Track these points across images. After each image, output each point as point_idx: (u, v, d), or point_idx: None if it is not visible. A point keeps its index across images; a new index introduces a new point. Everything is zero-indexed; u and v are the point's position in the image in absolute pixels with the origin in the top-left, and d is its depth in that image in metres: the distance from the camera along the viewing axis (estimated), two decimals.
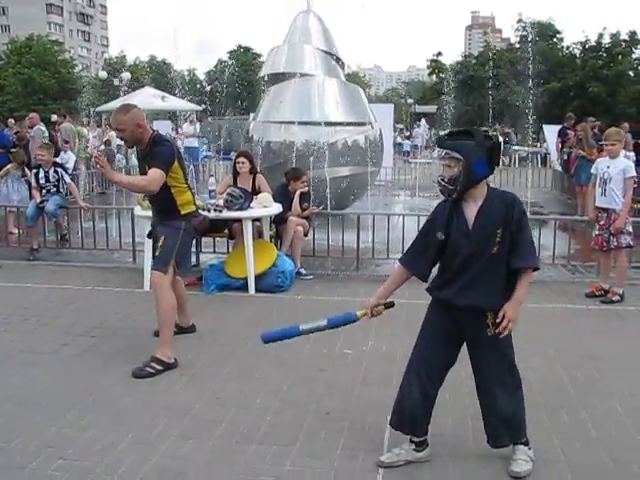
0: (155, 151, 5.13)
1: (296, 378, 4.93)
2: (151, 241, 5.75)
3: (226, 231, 8.20)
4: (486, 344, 3.51)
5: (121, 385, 4.77)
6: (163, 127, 24.29)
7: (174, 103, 27.46)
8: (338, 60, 13.26)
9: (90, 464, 3.63)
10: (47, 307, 6.83)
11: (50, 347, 5.57)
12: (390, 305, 3.70)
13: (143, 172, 5.29)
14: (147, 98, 26.04)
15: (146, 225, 7.66)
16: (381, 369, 5.08)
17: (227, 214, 7.41)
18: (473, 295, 3.41)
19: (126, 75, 39.98)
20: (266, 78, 13.48)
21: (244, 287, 7.36)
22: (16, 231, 9.86)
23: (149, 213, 7.47)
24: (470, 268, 3.41)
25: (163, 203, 5.31)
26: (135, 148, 5.49)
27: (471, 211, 3.42)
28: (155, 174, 5.03)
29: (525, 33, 51.82)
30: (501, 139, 24.33)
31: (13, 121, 18.77)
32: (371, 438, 3.97)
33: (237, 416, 4.26)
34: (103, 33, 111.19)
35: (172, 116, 32.46)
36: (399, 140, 36.88)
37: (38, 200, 9.45)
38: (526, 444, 3.69)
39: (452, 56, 67.49)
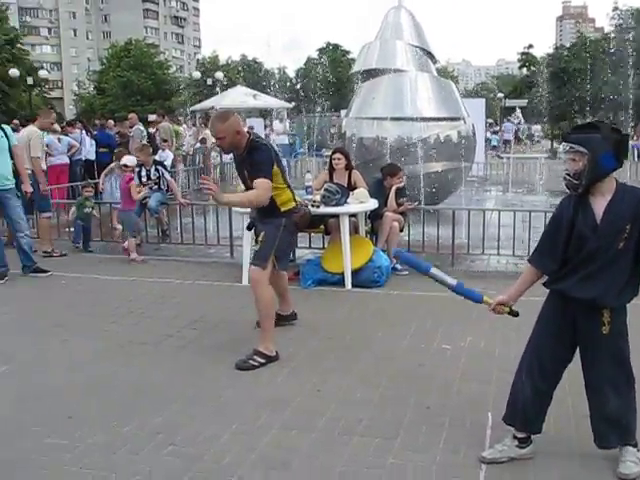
0: (256, 159, 5.14)
1: (395, 373, 4.92)
2: (249, 233, 5.87)
3: (322, 227, 8.25)
4: (600, 342, 3.41)
5: (224, 377, 4.87)
6: (256, 124, 24.72)
7: (265, 101, 27.84)
8: (430, 55, 13.14)
9: (197, 452, 3.73)
10: (150, 300, 7.05)
11: (155, 339, 5.75)
12: (515, 314, 3.66)
13: (242, 175, 5.37)
14: (239, 96, 26.52)
15: (243, 220, 7.88)
16: (480, 365, 5.01)
17: (324, 209, 7.45)
18: (590, 288, 3.32)
19: (219, 74, 40.80)
20: (358, 75, 13.50)
21: (341, 282, 7.40)
22: (120, 227, 10.21)
23: (246, 209, 7.66)
24: (593, 262, 3.33)
25: (262, 208, 5.32)
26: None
27: (599, 205, 3.34)
28: (262, 185, 5.06)
29: (621, 21, 49.82)
30: None
31: (113, 122, 19.44)
32: (473, 433, 3.92)
33: (338, 409, 4.28)
34: (196, 35, 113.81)
35: (264, 113, 32.91)
36: (487, 135, 36.23)
37: (140, 197, 9.75)
38: (635, 446, 3.56)
39: (543, 48, 65.68)
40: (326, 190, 7.51)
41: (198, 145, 20.50)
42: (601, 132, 3.28)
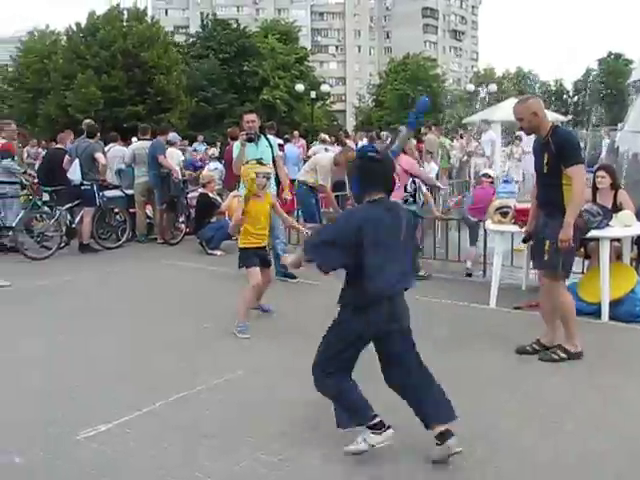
0: (564, 143, 5.14)
1: None
2: (501, 251, 6.39)
3: (582, 250, 7.44)
4: None
5: None
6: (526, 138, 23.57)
7: None
8: None
9: None
10: None
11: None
12: None
13: (539, 161, 5.34)
14: (510, 109, 25.51)
15: (496, 239, 7.39)
16: None
17: None
18: None
19: (492, 87, 39.93)
20: (635, 84, 12.21)
21: (597, 313, 6.59)
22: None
23: (500, 227, 7.18)
24: None
25: (550, 201, 5.31)
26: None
27: None
28: (579, 172, 5.10)
29: None
30: None
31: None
32: None
33: None
34: (473, 48, 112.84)
35: None
36: None
37: None
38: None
39: None
40: (586, 211, 6.73)
41: (465, 158, 20.06)
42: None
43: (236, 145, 8.34)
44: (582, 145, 23.16)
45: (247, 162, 6.79)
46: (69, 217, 11.23)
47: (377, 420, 3.67)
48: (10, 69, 49.50)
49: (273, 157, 8.39)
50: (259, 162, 6.55)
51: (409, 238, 3.74)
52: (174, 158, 12.44)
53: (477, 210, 8.76)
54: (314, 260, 3.60)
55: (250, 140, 8.01)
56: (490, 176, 9.56)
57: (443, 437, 3.64)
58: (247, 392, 4.80)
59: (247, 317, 6.24)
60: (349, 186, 5.28)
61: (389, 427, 3.69)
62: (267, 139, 8.49)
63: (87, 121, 12.93)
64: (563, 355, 5.30)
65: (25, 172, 10.99)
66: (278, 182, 8.52)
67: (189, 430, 4.16)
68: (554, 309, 5.49)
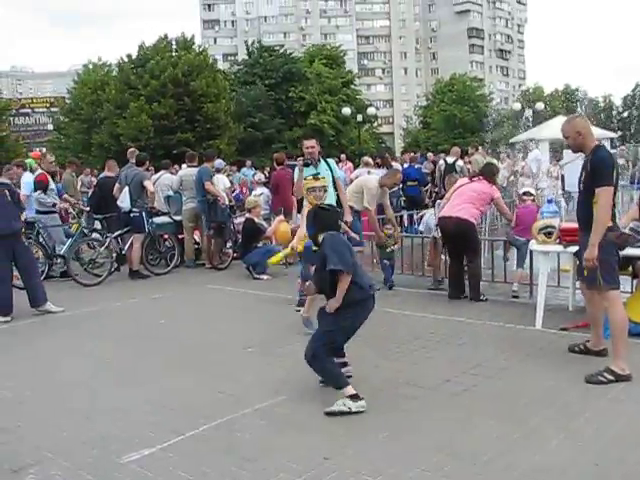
0: (596, 163, 5.34)
1: None
2: (545, 271, 6.50)
3: (630, 269, 7.27)
4: None
5: (494, 433, 4.40)
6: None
7: None
8: None
9: None
10: (436, 339, 6.77)
11: (432, 381, 5.44)
12: None
13: (579, 179, 5.56)
14: (558, 127, 25.17)
15: (541, 259, 7.29)
16: None
17: (632, 251, 6.53)
18: None
19: (539, 105, 39.51)
20: None
21: None
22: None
23: (544, 247, 7.09)
24: None
25: (583, 219, 5.54)
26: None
27: None
28: (605, 193, 5.25)
29: None
30: None
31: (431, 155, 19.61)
32: None
33: None
34: (520, 67, 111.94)
35: None
36: None
37: None
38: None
39: None
40: (632, 229, 6.60)
41: (512, 178, 19.84)
42: None
43: (296, 171, 8.35)
44: (626, 162, 22.76)
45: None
46: (120, 244, 11.48)
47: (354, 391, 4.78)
48: (67, 101, 51.17)
49: (333, 180, 8.40)
50: (315, 177, 7.10)
51: None
52: (220, 184, 12.62)
53: (522, 230, 8.65)
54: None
55: (307, 165, 8.02)
56: (532, 194, 9.45)
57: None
58: (289, 416, 4.82)
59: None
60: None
61: (362, 398, 4.77)
62: (327, 162, 8.51)
63: (132, 149, 13.22)
64: (610, 377, 5.20)
65: (54, 205, 11.28)
66: (339, 205, 8.55)
67: (231, 454, 4.19)
68: (594, 317, 5.86)
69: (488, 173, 8.99)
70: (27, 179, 11.20)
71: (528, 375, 5.50)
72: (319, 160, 8.20)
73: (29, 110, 63.21)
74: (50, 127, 56.26)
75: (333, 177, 8.29)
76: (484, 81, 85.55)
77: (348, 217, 8.56)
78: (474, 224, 8.76)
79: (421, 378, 5.54)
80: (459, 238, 8.66)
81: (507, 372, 5.64)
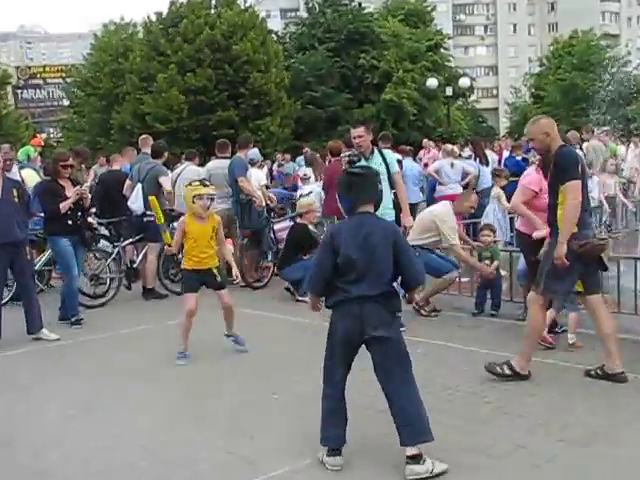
0: (559, 160, 6.38)
1: None
2: None
3: None
4: None
5: None
6: None
7: None
8: None
9: None
10: (507, 388, 6.69)
11: (506, 447, 5.42)
12: None
13: (550, 182, 6.67)
14: None
15: None
16: None
17: None
18: None
19: None
20: None
21: None
22: None
23: None
24: None
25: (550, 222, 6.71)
26: None
27: None
28: (573, 187, 6.27)
29: None
30: None
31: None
32: None
33: None
34: None
35: None
36: None
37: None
38: None
39: None
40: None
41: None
42: None
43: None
44: None
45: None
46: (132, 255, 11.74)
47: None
48: (83, 71, 52.04)
49: (389, 175, 8.45)
50: (202, 183, 7.99)
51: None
52: (254, 181, 12.56)
53: None
54: None
55: (352, 163, 8.01)
56: None
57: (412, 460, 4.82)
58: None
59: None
60: None
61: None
62: (382, 154, 8.58)
63: (144, 136, 13.12)
64: (508, 372, 6.59)
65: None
66: (396, 205, 8.64)
67: None
68: (602, 335, 6.67)
69: None
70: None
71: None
72: (372, 152, 8.29)
73: (40, 81, 64.44)
74: (66, 102, 57.12)
75: (389, 172, 8.38)
76: (619, 38, 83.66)
77: (408, 221, 8.63)
78: None
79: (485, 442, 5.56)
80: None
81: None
